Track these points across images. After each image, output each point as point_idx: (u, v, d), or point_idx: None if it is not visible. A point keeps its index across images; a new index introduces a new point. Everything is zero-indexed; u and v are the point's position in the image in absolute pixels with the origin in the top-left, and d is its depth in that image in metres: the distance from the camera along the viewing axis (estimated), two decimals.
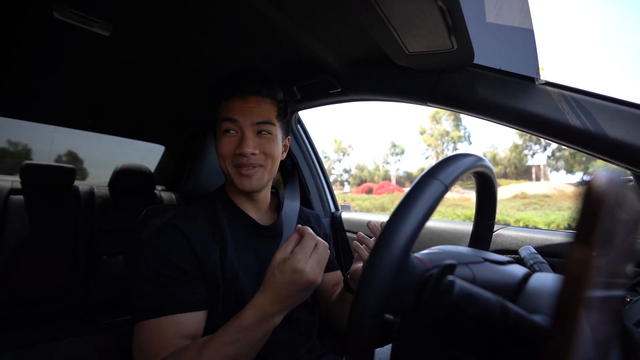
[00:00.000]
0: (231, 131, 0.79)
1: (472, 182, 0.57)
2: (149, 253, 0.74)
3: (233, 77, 0.81)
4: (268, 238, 0.86)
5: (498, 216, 0.65)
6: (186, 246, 0.74)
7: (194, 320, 0.70)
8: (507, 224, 1.09)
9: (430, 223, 1.24)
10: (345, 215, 1.59)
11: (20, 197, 1.85)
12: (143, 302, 0.69)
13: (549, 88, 0.77)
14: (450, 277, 0.33)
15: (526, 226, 1.13)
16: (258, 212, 0.88)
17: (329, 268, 0.96)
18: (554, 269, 0.57)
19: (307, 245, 0.60)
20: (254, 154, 0.78)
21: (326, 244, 0.63)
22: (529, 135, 0.86)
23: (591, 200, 0.23)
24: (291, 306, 0.61)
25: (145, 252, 0.75)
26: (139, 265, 0.75)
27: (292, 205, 0.94)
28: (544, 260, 0.63)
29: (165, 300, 0.69)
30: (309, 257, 0.59)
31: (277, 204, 0.95)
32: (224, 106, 0.80)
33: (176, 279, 0.71)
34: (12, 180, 1.91)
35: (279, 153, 0.84)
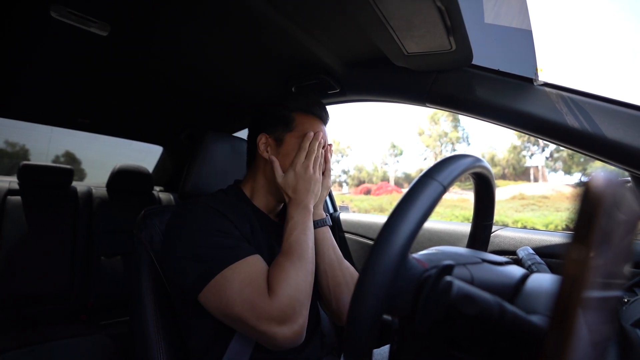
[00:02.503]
0: None
1: (471, 183, 0.58)
2: (199, 220, 0.77)
3: (316, 99, 0.94)
4: (280, 236, 0.89)
5: (496, 217, 0.65)
6: (224, 217, 0.79)
7: (264, 262, 0.76)
8: (505, 225, 1.09)
9: (429, 224, 1.25)
10: (343, 216, 1.59)
11: (18, 197, 1.84)
12: (220, 253, 0.72)
13: (547, 89, 0.78)
14: (448, 278, 0.33)
15: (524, 227, 1.13)
16: (271, 213, 0.94)
17: None
18: (552, 269, 0.57)
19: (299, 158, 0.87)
20: None
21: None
22: (527, 136, 0.86)
23: (589, 201, 0.23)
24: (312, 198, 0.85)
25: (192, 221, 0.77)
26: (188, 235, 0.76)
27: None
28: (542, 261, 0.64)
29: (242, 246, 0.75)
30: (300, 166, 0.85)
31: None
32: (308, 121, 0.91)
33: (236, 236, 0.77)
34: (10, 181, 1.90)
35: None
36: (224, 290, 0.68)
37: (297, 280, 0.72)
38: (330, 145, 0.96)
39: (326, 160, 0.94)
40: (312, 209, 0.85)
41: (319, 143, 0.88)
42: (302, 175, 0.84)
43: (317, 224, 0.90)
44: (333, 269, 0.87)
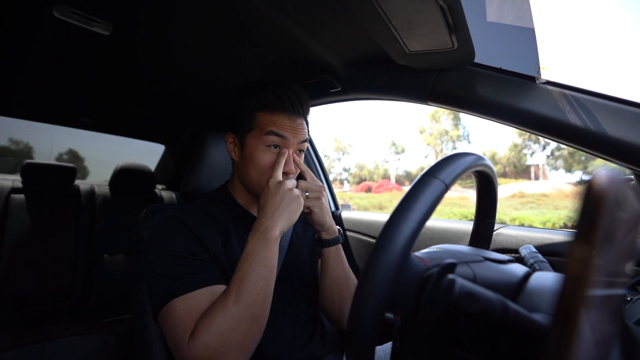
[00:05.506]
0: (276, 147, 0.81)
1: (471, 181, 0.58)
2: (159, 241, 0.76)
3: (285, 92, 0.81)
4: None
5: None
6: (191, 234, 0.77)
7: (219, 292, 0.71)
8: (504, 223, 1.09)
9: (431, 222, 1.24)
10: (345, 214, 1.59)
11: (21, 196, 1.85)
12: (165, 284, 0.70)
13: (549, 87, 0.77)
14: (450, 276, 0.33)
15: (522, 225, 1.13)
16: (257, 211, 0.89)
17: None
18: (555, 268, 0.57)
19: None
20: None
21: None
22: (528, 134, 0.86)
23: (591, 199, 0.23)
24: (280, 220, 0.72)
25: (155, 241, 0.77)
26: (149, 256, 0.76)
27: None
28: (544, 259, 0.64)
29: (189, 278, 0.71)
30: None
31: None
32: (269, 118, 0.80)
33: (192, 260, 0.73)
34: (13, 180, 1.91)
35: None
36: (163, 322, 0.70)
37: (224, 328, 0.64)
38: (305, 142, 0.85)
39: (296, 163, 0.83)
40: (276, 235, 0.71)
41: (286, 142, 0.80)
42: (272, 191, 0.74)
43: (329, 243, 0.84)
44: (339, 284, 0.86)
